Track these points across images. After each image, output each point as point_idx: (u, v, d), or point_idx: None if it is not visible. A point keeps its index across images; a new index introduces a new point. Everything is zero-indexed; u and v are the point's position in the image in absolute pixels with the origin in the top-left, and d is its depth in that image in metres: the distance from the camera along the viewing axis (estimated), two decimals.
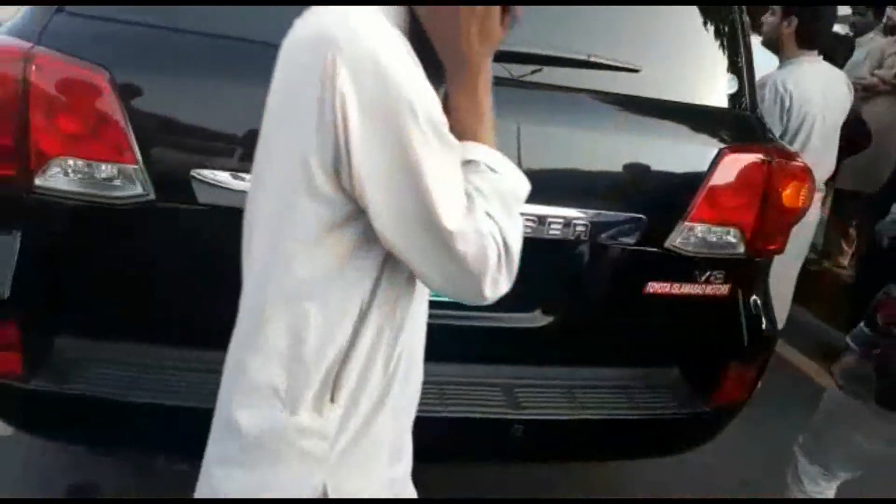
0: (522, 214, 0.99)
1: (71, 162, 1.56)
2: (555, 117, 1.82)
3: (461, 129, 0.95)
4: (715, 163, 1.90)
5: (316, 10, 0.89)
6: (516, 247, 0.95)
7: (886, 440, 1.93)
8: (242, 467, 1.01)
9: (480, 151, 0.96)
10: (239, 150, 1.64)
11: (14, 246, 1.60)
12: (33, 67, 1.51)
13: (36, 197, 1.58)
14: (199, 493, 1.08)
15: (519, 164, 1.70)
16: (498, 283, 0.95)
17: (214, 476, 1.05)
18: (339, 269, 0.94)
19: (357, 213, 0.91)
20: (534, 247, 1.90)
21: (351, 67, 0.84)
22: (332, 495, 1.01)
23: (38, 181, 1.56)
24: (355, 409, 1.00)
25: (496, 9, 0.92)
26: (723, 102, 2.02)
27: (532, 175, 1.72)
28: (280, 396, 0.97)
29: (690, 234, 1.93)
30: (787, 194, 1.98)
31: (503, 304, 1.91)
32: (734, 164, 1.92)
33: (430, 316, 1.89)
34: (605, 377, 2.07)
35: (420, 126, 0.86)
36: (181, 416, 1.74)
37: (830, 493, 2.16)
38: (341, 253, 0.93)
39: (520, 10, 0.95)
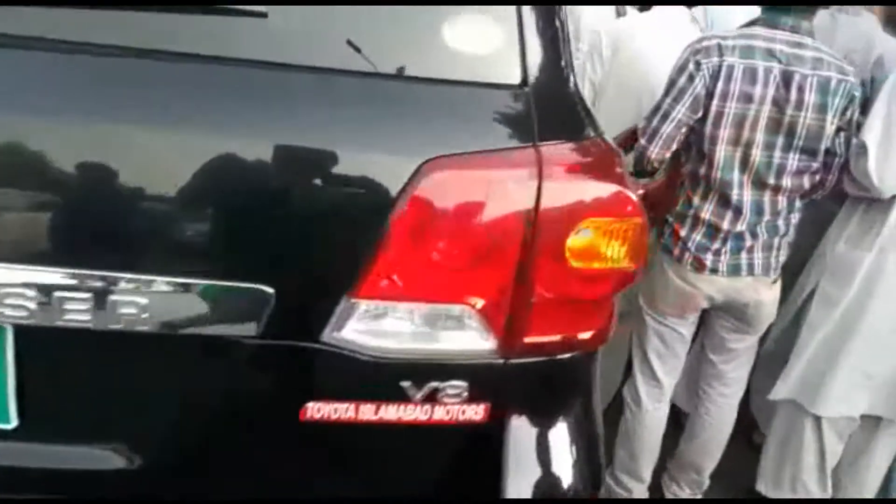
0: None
1: None
2: (95, 106, 0.98)
3: None
4: (407, 187, 1.00)
5: None
6: None
7: None
8: None
9: None
10: None
11: None
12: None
13: None
14: None
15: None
16: None
17: None
18: None
19: None
20: (71, 341, 1.07)
21: None
22: None
23: None
24: None
25: None
26: (469, 74, 1.09)
27: (33, 218, 0.95)
28: None
29: (370, 320, 1.04)
30: (583, 242, 1.05)
31: (51, 434, 1.02)
32: (452, 189, 1.01)
33: None
34: None
35: None
36: None
37: None
38: None
39: None
